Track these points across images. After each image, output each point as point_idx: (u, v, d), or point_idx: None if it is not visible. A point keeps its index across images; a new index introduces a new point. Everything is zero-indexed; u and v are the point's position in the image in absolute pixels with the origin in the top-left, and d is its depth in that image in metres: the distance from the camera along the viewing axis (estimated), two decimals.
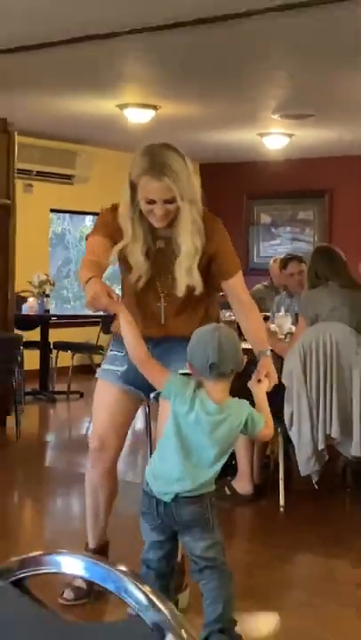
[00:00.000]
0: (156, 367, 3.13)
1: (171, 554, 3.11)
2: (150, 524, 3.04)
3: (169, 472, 2.99)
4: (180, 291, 3.36)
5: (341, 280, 5.09)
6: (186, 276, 3.33)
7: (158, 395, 3.35)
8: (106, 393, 3.62)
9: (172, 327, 3.47)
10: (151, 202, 3.28)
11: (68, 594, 3.50)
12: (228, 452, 3.08)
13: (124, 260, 3.46)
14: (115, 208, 3.48)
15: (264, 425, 3.05)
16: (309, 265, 5.38)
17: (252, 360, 3.42)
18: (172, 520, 2.98)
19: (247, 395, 4.73)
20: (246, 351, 3.40)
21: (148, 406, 4.53)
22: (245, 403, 3.06)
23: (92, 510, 3.70)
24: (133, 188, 3.32)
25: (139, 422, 5.26)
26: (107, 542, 3.75)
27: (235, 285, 3.51)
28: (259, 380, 3.22)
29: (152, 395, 3.53)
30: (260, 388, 3.22)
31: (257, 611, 3.63)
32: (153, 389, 3.43)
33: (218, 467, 3.02)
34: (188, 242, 3.31)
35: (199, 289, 3.37)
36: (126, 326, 3.13)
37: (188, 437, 2.96)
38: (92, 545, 3.70)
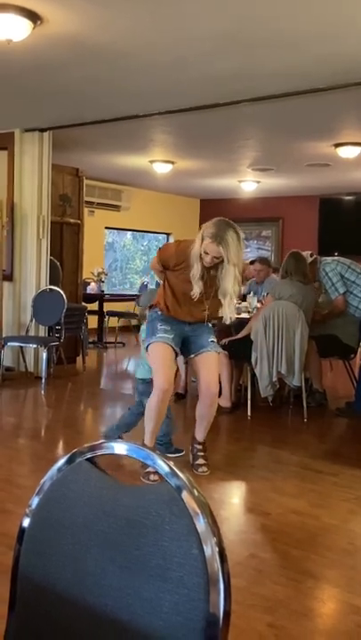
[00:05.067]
0: None
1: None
2: None
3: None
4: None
5: (300, 277, 5.02)
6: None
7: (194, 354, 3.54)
8: (167, 352, 3.47)
9: (207, 318, 3.61)
10: (206, 253, 3.35)
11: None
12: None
13: (184, 279, 3.47)
14: (177, 244, 3.57)
15: None
16: (283, 263, 5.22)
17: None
18: None
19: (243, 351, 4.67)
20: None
21: (186, 362, 4.54)
22: None
23: (157, 424, 3.50)
24: (202, 240, 3.36)
25: None
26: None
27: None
28: None
29: (191, 355, 3.60)
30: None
31: (231, 479, 3.65)
32: (189, 351, 3.58)
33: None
34: (229, 287, 3.39)
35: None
36: None
37: None
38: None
